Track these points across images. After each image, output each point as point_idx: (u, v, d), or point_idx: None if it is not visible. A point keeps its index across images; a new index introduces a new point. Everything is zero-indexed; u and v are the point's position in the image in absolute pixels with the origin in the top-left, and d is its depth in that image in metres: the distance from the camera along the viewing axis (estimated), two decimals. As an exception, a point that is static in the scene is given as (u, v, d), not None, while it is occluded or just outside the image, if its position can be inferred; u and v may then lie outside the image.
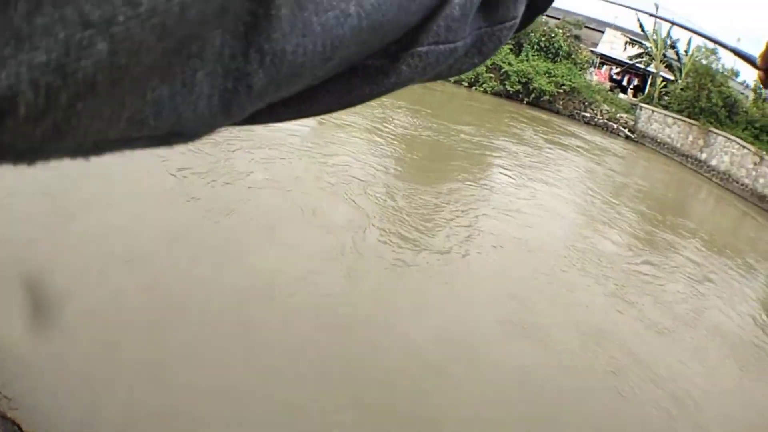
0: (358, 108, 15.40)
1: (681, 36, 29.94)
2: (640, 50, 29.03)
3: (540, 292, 8.03)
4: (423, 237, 8.72)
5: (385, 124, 15.13)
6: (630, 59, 29.27)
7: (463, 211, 10.31)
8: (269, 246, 7.10)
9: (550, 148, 19.21)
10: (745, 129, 27.40)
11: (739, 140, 26.71)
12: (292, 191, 8.93)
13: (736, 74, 29.43)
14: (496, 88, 27.60)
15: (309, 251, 7.18)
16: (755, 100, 28.54)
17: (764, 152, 26.77)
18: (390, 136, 14.13)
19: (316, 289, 6.31)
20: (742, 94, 29.03)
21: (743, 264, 13.71)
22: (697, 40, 29.56)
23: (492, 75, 27.68)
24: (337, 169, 10.45)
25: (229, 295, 5.84)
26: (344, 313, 6.09)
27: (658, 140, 28.11)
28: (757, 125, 27.52)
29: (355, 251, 7.50)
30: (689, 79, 27.84)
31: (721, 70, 28.09)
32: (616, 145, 25.99)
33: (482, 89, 27.58)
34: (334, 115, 14.73)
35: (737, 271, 12.84)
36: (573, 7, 34.28)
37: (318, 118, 14.33)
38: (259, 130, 10.16)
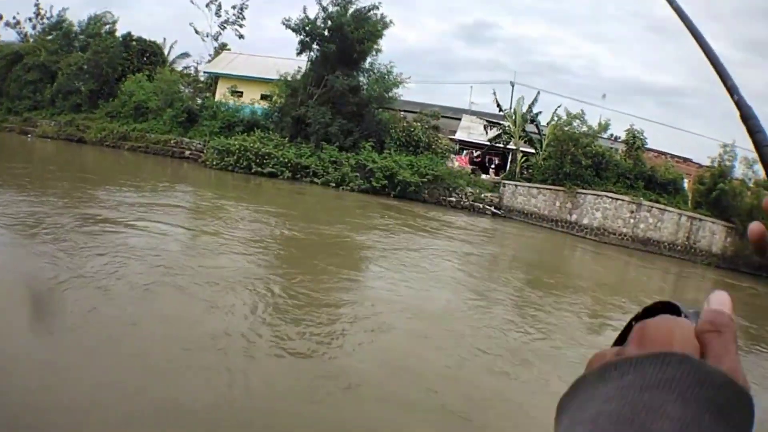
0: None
1: (544, 109, 31.31)
2: (499, 131, 30.35)
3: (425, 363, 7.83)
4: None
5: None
6: (489, 141, 30.56)
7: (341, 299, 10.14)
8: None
9: (419, 235, 19.21)
10: (617, 182, 28.09)
11: (610, 194, 27.31)
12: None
13: (605, 127, 30.16)
14: (362, 185, 28.41)
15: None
16: (627, 152, 29.41)
17: (641, 198, 27.36)
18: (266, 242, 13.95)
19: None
20: (612, 148, 29.90)
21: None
22: (553, 107, 30.88)
23: (357, 174, 28.61)
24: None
25: None
26: None
27: (525, 212, 28.65)
28: (630, 175, 28.22)
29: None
30: (551, 149, 28.85)
31: (587, 131, 28.82)
32: (484, 223, 26.31)
33: (349, 188, 28.36)
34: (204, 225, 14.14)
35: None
36: (430, 99, 36.29)
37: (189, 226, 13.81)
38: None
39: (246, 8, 39.18)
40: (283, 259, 12.71)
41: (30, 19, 43.56)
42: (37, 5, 42.49)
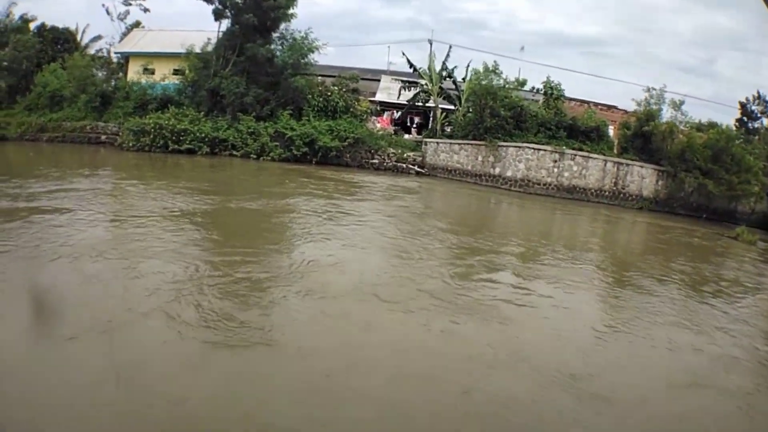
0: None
1: (459, 63, 30.50)
2: (417, 90, 29.87)
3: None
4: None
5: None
6: (408, 101, 30.08)
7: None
8: None
9: (346, 199, 18.78)
10: (538, 132, 27.80)
11: (531, 145, 27.06)
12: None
13: (523, 83, 29.99)
14: (283, 154, 27.74)
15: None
16: (545, 102, 29.08)
17: (563, 147, 27.13)
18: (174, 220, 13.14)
19: None
20: (530, 99, 29.56)
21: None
22: (476, 64, 30.38)
23: (277, 143, 27.92)
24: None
25: None
26: None
27: (449, 168, 28.28)
28: (551, 125, 27.93)
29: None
30: (470, 104, 28.45)
31: (504, 85, 28.39)
32: (409, 183, 25.85)
33: (270, 158, 27.67)
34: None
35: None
36: (348, 62, 35.65)
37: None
38: None
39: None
40: (191, 234, 12.12)
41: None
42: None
